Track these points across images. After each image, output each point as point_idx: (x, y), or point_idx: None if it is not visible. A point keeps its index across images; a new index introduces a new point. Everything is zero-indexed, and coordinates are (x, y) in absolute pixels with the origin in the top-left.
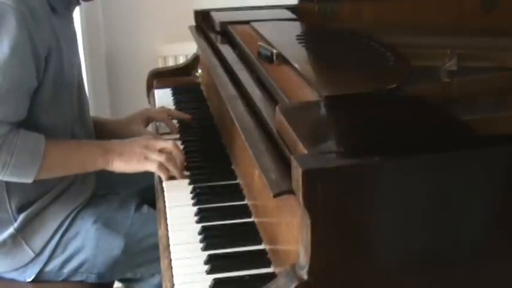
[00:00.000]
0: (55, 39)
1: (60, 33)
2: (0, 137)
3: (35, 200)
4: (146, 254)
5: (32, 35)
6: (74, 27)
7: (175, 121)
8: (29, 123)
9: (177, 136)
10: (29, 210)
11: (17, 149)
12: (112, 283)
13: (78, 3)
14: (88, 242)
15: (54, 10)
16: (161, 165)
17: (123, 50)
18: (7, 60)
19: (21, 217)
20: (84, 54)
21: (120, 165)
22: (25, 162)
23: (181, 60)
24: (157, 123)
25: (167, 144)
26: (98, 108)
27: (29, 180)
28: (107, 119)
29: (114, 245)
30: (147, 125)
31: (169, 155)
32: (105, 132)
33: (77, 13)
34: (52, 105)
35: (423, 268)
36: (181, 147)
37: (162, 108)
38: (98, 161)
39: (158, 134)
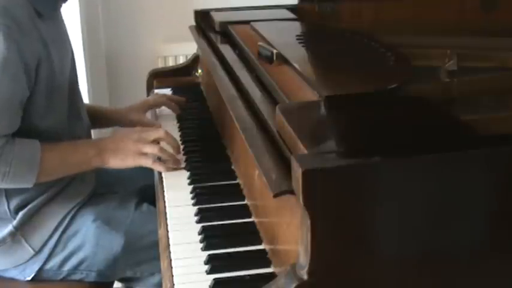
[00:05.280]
0: (44, 47)
1: (49, 39)
2: None
3: (33, 199)
4: (146, 252)
5: (21, 47)
6: (63, 25)
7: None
8: (26, 129)
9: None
10: (27, 208)
11: (14, 159)
12: (112, 283)
13: (64, 0)
14: (88, 240)
15: (41, 15)
16: (156, 160)
17: (123, 50)
18: None
19: (19, 215)
20: (84, 54)
21: (116, 163)
22: (23, 170)
23: (181, 60)
24: (158, 111)
25: (159, 134)
26: None
27: (29, 186)
28: (107, 108)
29: (114, 243)
30: (145, 112)
31: (163, 143)
32: (104, 121)
33: (76, 13)
34: (46, 110)
35: (423, 268)
36: (182, 147)
37: (158, 94)
38: (93, 160)
39: (150, 124)
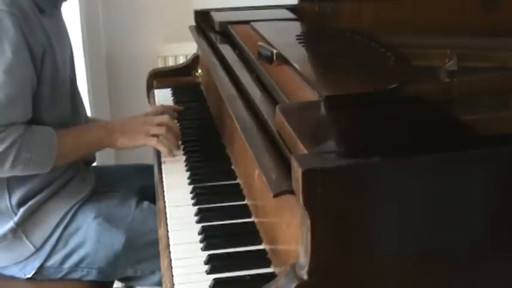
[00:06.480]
0: (47, 39)
1: (51, 33)
2: (19, 137)
3: (35, 194)
4: (147, 250)
5: (27, 36)
6: (63, 22)
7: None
8: (33, 121)
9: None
10: (28, 205)
11: (34, 145)
12: (112, 282)
13: None
14: (89, 237)
15: (42, 11)
16: (161, 141)
17: (123, 50)
18: (12, 64)
19: (21, 211)
20: (84, 54)
21: (123, 143)
22: (43, 156)
23: (181, 60)
24: None
25: (163, 118)
26: (98, 109)
27: (46, 171)
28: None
29: (115, 240)
30: None
31: (167, 126)
32: None
33: (76, 13)
34: (50, 103)
35: (423, 268)
36: (181, 147)
37: (157, 106)
38: (104, 141)
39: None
